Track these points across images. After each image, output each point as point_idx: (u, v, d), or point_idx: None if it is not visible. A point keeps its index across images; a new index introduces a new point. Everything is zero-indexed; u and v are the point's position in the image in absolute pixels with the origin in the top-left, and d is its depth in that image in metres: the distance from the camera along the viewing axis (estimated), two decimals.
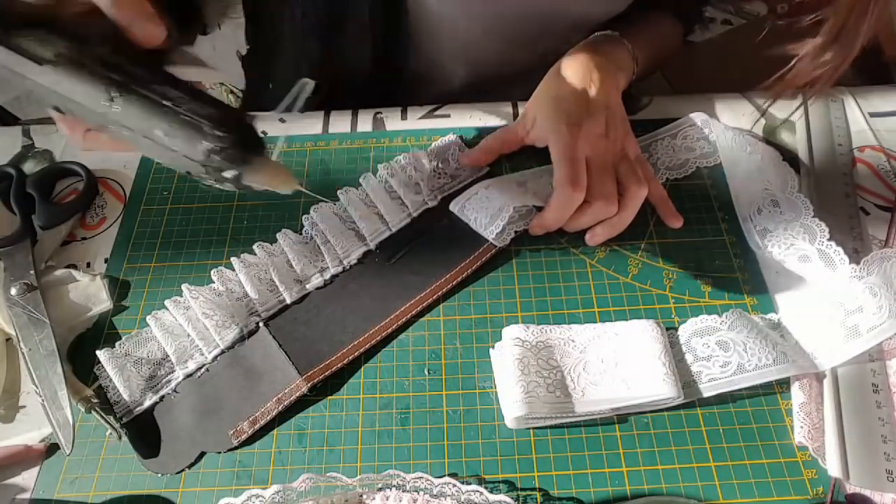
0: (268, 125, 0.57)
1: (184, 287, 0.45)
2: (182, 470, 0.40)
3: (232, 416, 0.41)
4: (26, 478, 0.40)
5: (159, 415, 0.42)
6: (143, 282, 0.48)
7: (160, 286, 0.47)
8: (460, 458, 0.40)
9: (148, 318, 0.44)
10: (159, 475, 0.40)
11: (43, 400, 0.41)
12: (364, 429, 0.41)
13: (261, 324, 0.45)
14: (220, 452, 0.41)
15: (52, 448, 0.41)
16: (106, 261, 0.50)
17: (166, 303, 0.45)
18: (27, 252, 0.48)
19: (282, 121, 0.57)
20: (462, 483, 0.37)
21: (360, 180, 0.51)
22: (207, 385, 0.43)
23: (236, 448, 0.41)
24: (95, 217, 0.52)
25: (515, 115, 0.57)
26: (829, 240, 0.44)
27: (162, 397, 0.43)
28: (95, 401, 0.41)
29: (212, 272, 0.46)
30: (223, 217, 0.51)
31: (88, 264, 0.50)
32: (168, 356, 0.44)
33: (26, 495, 0.39)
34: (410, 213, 0.50)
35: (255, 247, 0.47)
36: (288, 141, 0.56)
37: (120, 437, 0.41)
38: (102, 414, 0.41)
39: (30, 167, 0.55)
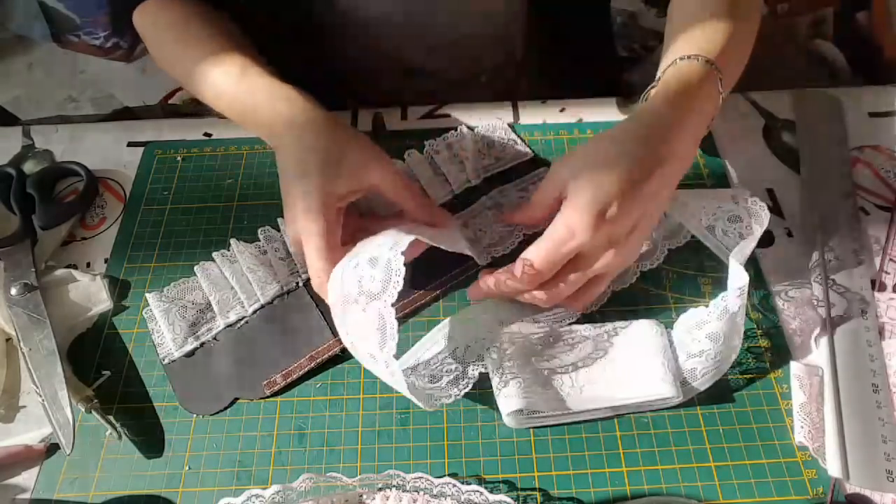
0: None
1: (232, 241, 0.48)
2: (216, 413, 0.42)
3: (267, 368, 0.43)
4: (26, 478, 0.40)
5: (198, 360, 0.44)
6: (143, 282, 0.48)
7: (160, 286, 0.47)
8: (460, 458, 0.40)
9: (196, 267, 0.47)
10: (196, 416, 0.42)
11: (43, 400, 0.41)
12: (364, 429, 0.41)
13: (301, 284, 0.47)
14: (251, 400, 0.42)
15: (52, 448, 0.41)
16: (106, 261, 0.50)
17: (214, 255, 0.47)
18: (27, 252, 0.48)
19: None
20: (462, 483, 0.37)
21: (405, 155, 0.52)
22: (246, 337, 0.45)
23: (268, 398, 0.42)
24: (95, 217, 0.52)
25: (516, 115, 0.57)
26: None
27: (202, 343, 0.45)
28: (95, 401, 0.41)
29: (259, 231, 0.48)
30: (223, 217, 0.51)
31: (88, 264, 0.50)
32: (211, 305, 0.46)
33: (26, 495, 0.39)
34: (453, 189, 0.51)
35: None
36: None
37: (120, 437, 0.41)
38: (102, 414, 0.41)
39: (30, 167, 0.55)
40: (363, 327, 0.36)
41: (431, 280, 0.47)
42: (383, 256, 0.36)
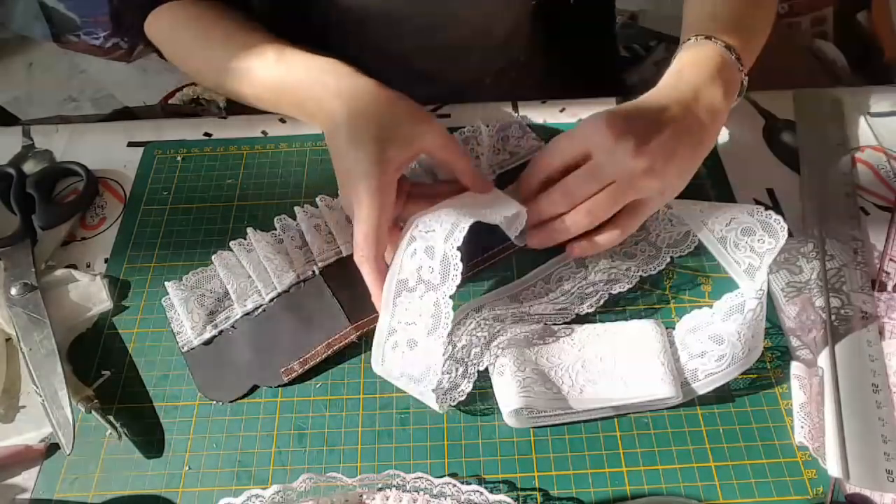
0: (268, 125, 0.57)
1: (249, 230, 0.48)
2: (235, 399, 0.42)
3: (284, 355, 0.44)
4: (26, 478, 0.40)
5: (217, 348, 0.45)
6: (143, 282, 0.48)
7: (160, 286, 0.47)
8: (460, 458, 0.40)
9: (213, 256, 0.47)
10: (218, 402, 0.43)
11: (43, 400, 0.41)
12: (364, 429, 0.41)
13: (317, 272, 0.47)
14: (271, 387, 0.43)
15: (52, 448, 0.41)
16: (106, 261, 0.50)
17: (231, 244, 0.47)
18: (27, 252, 0.48)
19: (282, 121, 0.57)
20: (462, 483, 0.37)
21: None
22: (263, 324, 0.45)
23: (285, 385, 0.43)
24: (95, 217, 0.52)
25: (516, 115, 0.57)
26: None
27: (221, 332, 0.45)
28: (95, 401, 0.41)
29: (275, 219, 0.48)
30: (223, 217, 0.51)
31: (88, 264, 0.50)
32: (229, 294, 0.46)
33: (26, 495, 0.39)
34: None
35: (317, 199, 0.49)
36: (289, 140, 0.56)
37: (120, 437, 0.41)
38: (102, 414, 0.41)
39: (30, 167, 0.55)
40: (415, 313, 0.37)
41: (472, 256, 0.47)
42: (439, 248, 0.37)
